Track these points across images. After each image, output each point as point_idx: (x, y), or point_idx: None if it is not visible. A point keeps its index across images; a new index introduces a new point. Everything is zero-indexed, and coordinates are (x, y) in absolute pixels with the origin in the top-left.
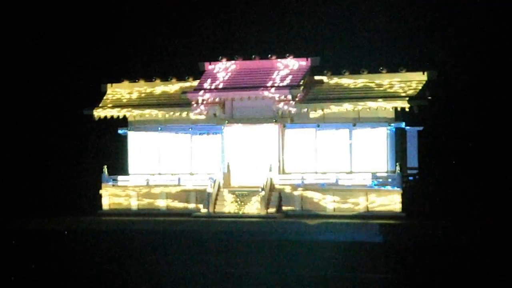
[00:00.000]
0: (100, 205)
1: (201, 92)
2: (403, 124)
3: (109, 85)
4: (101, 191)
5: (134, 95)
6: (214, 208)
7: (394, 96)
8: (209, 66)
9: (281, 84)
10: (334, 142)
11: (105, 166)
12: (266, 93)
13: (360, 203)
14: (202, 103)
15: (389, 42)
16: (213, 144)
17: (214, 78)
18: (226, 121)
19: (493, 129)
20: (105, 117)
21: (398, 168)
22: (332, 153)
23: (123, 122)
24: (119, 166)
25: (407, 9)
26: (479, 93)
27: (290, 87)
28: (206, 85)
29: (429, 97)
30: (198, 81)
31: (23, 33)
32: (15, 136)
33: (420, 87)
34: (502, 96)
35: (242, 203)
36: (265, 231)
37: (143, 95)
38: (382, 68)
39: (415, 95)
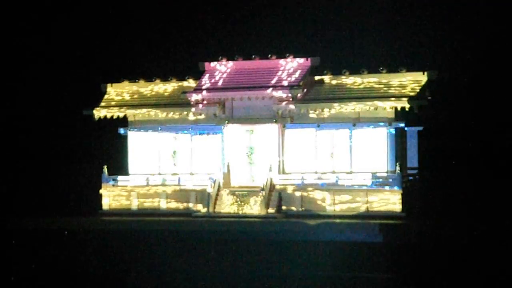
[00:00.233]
0: (100, 205)
1: (201, 92)
2: (403, 124)
3: (109, 85)
4: (101, 191)
5: (134, 95)
6: (214, 208)
7: (394, 96)
8: (209, 66)
9: (281, 84)
10: (334, 142)
11: (105, 166)
12: (266, 93)
13: (360, 203)
14: (202, 103)
15: (389, 42)
16: (213, 144)
17: (214, 78)
18: (226, 121)
19: (493, 129)
20: (105, 117)
21: (398, 168)
22: (332, 153)
23: (123, 122)
24: (119, 166)
25: (407, 9)
26: (479, 93)
27: (290, 87)
28: (206, 85)
29: (429, 97)
30: (198, 81)
31: (23, 33)
32: (15, 136)
33: (420, 87)
34: (502, 96)
35: (242, 203)
36: (265, 231)
37: (143, 95)
38: (382, 68)
39: (415, 95)
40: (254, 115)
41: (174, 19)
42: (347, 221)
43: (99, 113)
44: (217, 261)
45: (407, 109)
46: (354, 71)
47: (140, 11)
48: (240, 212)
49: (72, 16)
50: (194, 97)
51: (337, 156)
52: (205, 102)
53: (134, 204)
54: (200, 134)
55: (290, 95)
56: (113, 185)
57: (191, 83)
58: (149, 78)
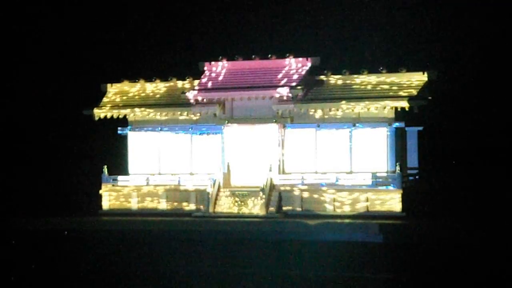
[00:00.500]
0: (100, 205)
1: (201, 92)
2: (403, 124)
3: (109, 85)
4: (101, 191)
5: (134, 95)
6: (214, 208)
7: (394, 96)
8: (209, 66)
9: (281, 84)
10: (334, 142)
11: (105, 166)
12: (266, 93)
13: (360, 203)
14: (202, 103)
15: (389, 42)
16: (213, 144)
17: (214, 78)
18: (226, 121)
19: (494, 129)
20: (105, 117)
21: (398, 168)
22: (332, 153)
23: (123, 122)
24: (119, 166)
25: (407, 9)
26: (479, 93)
27: (290, 87)
28: (206, 85)
29: (429, 97)
30: (198, 81)
31: (23, 33)
32: (15, 136)
33: (420, 87)
34: (502, 96)
35: (242, 203)
36: (265, 231)
37: (143, 95)
38: (382, 68)
39: (415, 95)
40: (254, 115)
41: (174, 19)
42: (347, 221)
43: (99, 113)
44: (217, 261)
45: (407, 109)
46: (354, 71)
47: (140, 11)
48: (240, 212)
49: (72, 16)
50: (194, 97)
51: (337, 156)
52: (205, 102)
53: (134, 204)
54: (200, 134)
55: (290, 95)
56: (113, 185)
57: (191, 83)
58: (149, 78)
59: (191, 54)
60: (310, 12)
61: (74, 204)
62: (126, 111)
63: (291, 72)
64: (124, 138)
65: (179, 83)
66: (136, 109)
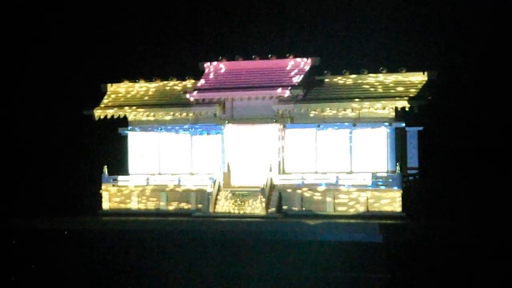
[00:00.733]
0: (100, 205)
1: (201, 92)
2: (403, 124)
3: (109, 85)
4: (101, 191)
5: (134, 95)
6: (214, 208)
7: (394, 96)
8: (209, 66)
9: (281, 84)
10: (334, 142)
11: (105, 166)
12: (266, 93)
13: (360, 203)
14: (202, 103)
15: (389, 42)
16: (213, 144)
17: (214, 78)
18: (226, 121)
19: (494, 129)
20: (105, 117)
21: (398, 168)
22: (332, 153)
23: (123, 122)
24: (119, 166)
25: (407, 8)
26: (479, 93)
27: (290, 87)
28: (206, 85)
29: (429, 97)
30: (198, 81)
31: (22, 33)
32: (15, 136)
33: (420, 87)
34: (502, 96)
35: (242, 203)
36: (265, 231)
37: (143, 95)
38: (382, 68)
39: (415, 95)
40: (254, 115)
41: (174, 19)
42: (347, 221)
43: (99, 113)
44: (217, 261)
45: (407, 109)
46: (354, 71)
47: (140, 11)
48: (240, 212)
49: (72, 16)
50: (194, 97)
51: (337, 156)
52: (205, 102)
53: (134, 204)
54: (200, 134)
55: (290, 95)
56: (113, 185)
57: (191, 83)
58: (149, 78)
59: (191, 54)
60: (310, 12)
61: (74, 204)
62: (126, 111)
63: (291, 72)
64: (124, 138)
65: (179, 83)
66: (136, 109)
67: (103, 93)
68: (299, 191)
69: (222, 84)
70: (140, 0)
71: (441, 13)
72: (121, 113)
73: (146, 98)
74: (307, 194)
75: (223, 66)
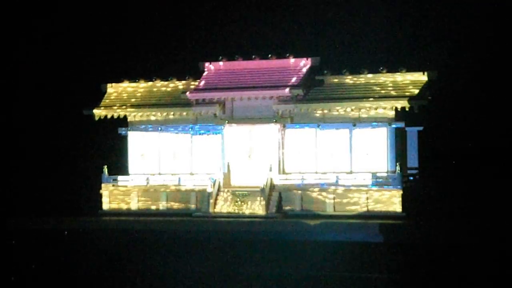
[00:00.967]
0: (100, 205)
1: (201, 92)
2: (403, 124)
3: (109, 85)
4: (101, 191)
5: (134, 95)
6: (214, 208)
7: (394, 96)
8: (209, 66)
9: (281, 84)
10: (334, 142)
11: (105, 166)
12: (266, 93)
13: (360, 203)
14: (202, 103)
15: (389, 42)
16: (213, 144)
17: (214, 78)
18: (226, 121)
19: (493, 129)
20: (105, 117)
21: (398, 168)
22: (332, 153)
23: (123, 122)
24: (119, 166)
25: (408, 8)
26: (479, 93)
27: (290, 87)
28: (206, 85)
29: (429, 97)
30: (198, 81)
31: (23, 33)
32: (15, 136)
33: (420, 87)
34: (502, 95)
35: (242, 203)
36: (265, 231)
37: (143, 95)
38: (382, 68)
39: (415, 95)
40: (254, 115)
41: (174, 19)
42: (347, 221)
43: (99, 113)
44: (217, 261)
45: (407, 109)
46: (354, 71)
47: (140, 11)
48: (240, 212)
49: (72, 16)
50: (194, 97)
51: (337, 156)
52: (205, 102)
53: (134, 204)
54: (200, 134)
55: (290, 95)
56: (113, 185)
57: (191, 83)
58: (149, 78)
59: (191, 54)
60: (310, 12)
61: (74, 204)
62: (126, 111)
63: (291, 72)
64: (124, 138)
65: (179, 83)
66: (136, 109)
67: (103, 93)
68: (299, 191)
69: (222, 84)
70: (140, 1)
71: (441, 13)
72: (121, 113)
73: (146, 98)
74: (307, 194)
75: (223, 66)
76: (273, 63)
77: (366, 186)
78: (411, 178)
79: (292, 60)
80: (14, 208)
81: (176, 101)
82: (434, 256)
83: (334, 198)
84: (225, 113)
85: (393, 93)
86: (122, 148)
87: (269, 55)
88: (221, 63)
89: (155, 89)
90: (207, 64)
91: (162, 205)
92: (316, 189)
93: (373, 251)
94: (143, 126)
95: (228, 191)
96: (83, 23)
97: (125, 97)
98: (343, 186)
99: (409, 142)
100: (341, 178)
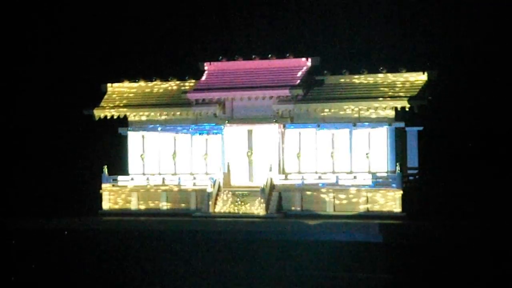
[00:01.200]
0: (100, 205)
1: (201, 92)
2: (403, 124)
3: (109, 85)
4: (101, 191)
5: (134, 95)
6: (214, 208)
7: (394, 96)
8: (209, 66)
9: (281, 84)
10: (334, 142)
11: (105, 166)
12: (266, 93)
13: (360, 203)
14: (202, 103)
15: (389, 42)
16: (213, 144)
17: (214, 78)
18: (226, 121)
19: (494, 129)
20: (105, 117)
21: (398, 168)
22: (332, 153)
23: (123, 122)
24: (119, 166)
25: (408, 8)
26: (479, 93)
27: (290, 87)
28: (206, 85)
29: (429, 97)
30: (198, 81)
31: (23, 33)
32: (15, 136)
33: (420, 87)
34: (502, 95)
35: (242, 203)
36: (265, 231)
37: (143, 95)
38: (382, 68)
39: (415, 95)
40: (254, 115)
41: (174, 19)
42: (347, 221)
43: (99, 113)
44: (217, 261)
45: (407, 109)
46: (354, 71)
47: (140, 11)
48: (240, 212)
49: (72, 16)
50: (194, 97)
51: (337, 156)
52: (205, 102)
53: (134, 204)
54: (200, 134)
55: (290, 95)
56: (113, 185)
57: (191, 83)
58: (149, 78)
59: (191, 54)
60: (310, 12)
61: (74, 204)
62: (126, 111)
63: (291, 72)
64: (124, 138)
65: (179, 83)
66: (136, 109)
67: (103, 93)
68: (299, 191)
69: (222, 84)
70: (140, 0)
71: (441, 13)
72: (121, 113)
73: (146, 98)
74: (307, 194)
75: (223, 66)
76: (273, 63)
77: (366, 186)
78: (411, 178)
79: (292, 60)
80: (14, 208)
81: (176, 101)
82: (434, 256)
83: (334, 198)
84: (225, 113)
85: (393, 93)
86: (122, 148)
87: (269, 55)
88: (221, 63)
89: (155, 89)
90: (207, 64)
91: (162, 205)
92: (316, 189)
93: (373, 251)
94: (143, 126)
95: (228, 191)
96: (83, 23)
97: (125, 97)
98: (343, 186)
99: (409, 142)
100: (341, 178)
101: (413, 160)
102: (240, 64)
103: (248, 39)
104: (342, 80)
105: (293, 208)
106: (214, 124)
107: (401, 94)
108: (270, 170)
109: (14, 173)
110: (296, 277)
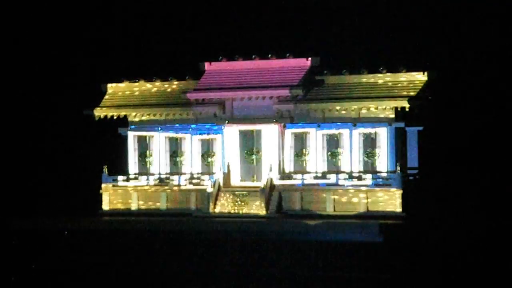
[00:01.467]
0: (100, 205)
1: (201, 92)
2: (403, 124)
3: (109, 85)
4: (101, 191)
5: (134, 95)
6: (214, 208)
7: (394, 96)
8: (209, 66)
9: (281, 84)
10: (334, 142)
11: (105, 166)
12: (266, 93)
13: (360, 203)
14: (202, 103)
15: (389, 42)
16: (213, 144)
17: (214, 78)
18: (226, 121)
19: (494, 129)
20: (105, 117)
21: (398, 168)
22: (332, 153)
23: (123, 122)
24: (119, 166)
25: (408, 8)
26: (479, 93)
27: (290, 87)
28: (206, 85)
29: (429, 97)
30: (198, 81)
31: (23, 32)
32: (15, 136)
33: (420, 87)
34: (502, 95)
35: (242, 203)
36: (265, 231)
37: (143, 95)
38: (382, 68)
39: (415, 95)
40: (254, 115)
41: (174, 19)
42: (347, 221)
43: (99, 113)
44: (217, 261)
45: (407, 109)
46: (354, 71)
47: (140, 11)
48: (240, 212)
49: (72, 16)
50: (194, 97)
51: (337, 156)
52: (205, 102)
53: (134, 204)
54: (200, 134)
55: (290, 95)
56: (113, 185)
57: (191, 83)
58: (149, 78)
59: (191, 54)
60: (310, 12)
61: (74, 204)
62: (126, 111)
63: (291, 72)
64: (124, 138)
65: (179, 83)
66: (136, 109)
67: (103, 93)
68: (299, 191)
69: (222, 84)
70: (141, 0)
71: (441, 13)
72: (121, 113)
73: (146, 98)
74: (307, 194)
75: (223, 66)
76: (273, 63)
77: (366, 186)
78: (411, 178)
79: (292, 60)
80: (14, 208)
81: (176, 101)
82: (434, 256)
83: (334, 198)
84: (225, 113)
85: (393, 93)
86: (122, 148)
87: (269, 55)
88: (221, 63)
89: (155, 89)
90: (207, 64)
91: (162, 205)
92: (316, 189)
93: (373, 251)
94: (143, 126)
95: (228, 191)
96: (83, 23)
97: (125, 97)
98: (343, 186)
99: (409, 142)
100: (341, 178)
101: (413, 160)
102: (240, 64)
103: (248, 39)
104: (342, 80)
105: (293, 208)
106: (214, 124)
107: (401, 94)
108: (270, 170)
109: (14, 173)
110: (296, 277)
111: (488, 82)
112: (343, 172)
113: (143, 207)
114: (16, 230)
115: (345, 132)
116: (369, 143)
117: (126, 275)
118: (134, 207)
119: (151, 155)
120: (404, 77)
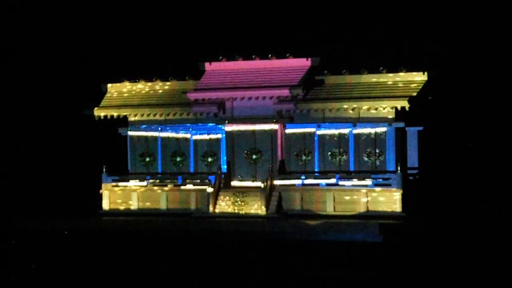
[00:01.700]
0: (100, 205)
1: (201, 92)
2: (403, 124)
3: (109, 85)
4: (101, 191)
5: (134, 95)
6: (214, 208)
7: (394, 96)
8: (209, 66)
9: (281, 84)
10: (334, 142)
11: (105, 166)
12: (266, 93)
13: (360, 203)
14: (202, 103)
15: (389, 41)
16: (213, 144)
17: (214, 78)
18: (226, 121)
19: (494, 128)
20: (105, 117)
21: (398, 168)
22: (332, 153)
23: (123, 122)
24: (119, 166)
25: (407, 8)
26: (479, 93)
27: (290, 87)
28: (206, 85)
29: (429, 97)
30: (198, 81)
31: (22, 32)
32: (15, 136)
33: (420, 87)
34: (502, 95)
35: (242, 203)
36: (265, 231)
37: (143, 95)
38: (382, 68)
39: (415, 95)
40: (254, 115)
41: (174, 18)
42: (347, 221)
43: (99, 113)
44: (216, 261)
45: (407, 109)
46: (354, 71)
47: (140, 11)
48: (240, 212)
49: (72, 15)
50: (194, 97)
51: (337, 156)
52: (205, 102)
53: (134, 204)
54: (200, 134)
55: (290, 95)
56: (113, 185)
57: (191, 83)
58: (149, 78)
59: (191, 54)
60: (310, 12)
61: (74, 204)
62: (126, 111)
63: (291, 72)
64: (124, 138)
65: (179, 83)
66: (136, 109)
67: (103, 93)
68: (299, 191)
69: (222, 84)
70: (140, 0)
71: (441, 13)
72: (121, 113)
73: (146, 98)
74: (307, 194)
75: (223, 66)
76: (273, 63)
77: (366, 186)
78: (411, 178)
79: (292, 60)
80: (15, 208)
81: (176, 101)
82: (434, 256)
83: (334, 198)
84: (225, 113)
85: (393, 93)
86: (122, 148)
87: (269, 55)
88: (221, 63)
89: (155, 89)
90: (207, 64)
91: (162, 205)
92: (316, 189)
93: (373, 251)
94: (143, 126)
95: (228, 191)
96: (83, 23)
97: (125, 97)
98: (343, 186)
99: (409, 142)
100: (341, 178)
101: (413, 160)
102: (240, 64)
103: (248, 39)
104: (342, 80)
105: (293, 208)
106: (214, 124)
107: (401, 94)
108: (270, 170)
109: (14, 173)
110: (296, 277)
111: (488, 82)
112: (343, 172)
113: (143, 207)
114: (16, 230)
115: (345, 132)
116: (369, 143)
117: (126, 275)
118: (134, 207)
119: (151, 155)
120: (404, 77)
